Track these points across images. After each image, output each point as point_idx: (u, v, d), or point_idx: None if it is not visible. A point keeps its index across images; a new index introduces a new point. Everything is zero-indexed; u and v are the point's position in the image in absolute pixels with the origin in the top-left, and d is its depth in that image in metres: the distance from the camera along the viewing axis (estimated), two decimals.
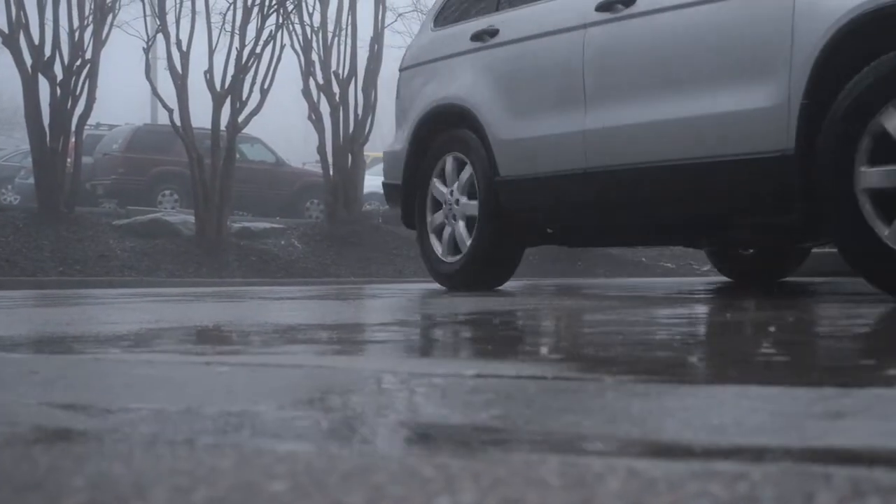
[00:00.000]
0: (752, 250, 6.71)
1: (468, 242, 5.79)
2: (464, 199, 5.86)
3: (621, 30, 4.99)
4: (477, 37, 5.88)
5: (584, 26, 5.15)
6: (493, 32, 5.79)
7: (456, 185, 5.91)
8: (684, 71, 4.68)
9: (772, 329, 3.06)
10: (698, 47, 4.62)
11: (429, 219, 6.12)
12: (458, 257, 5.88)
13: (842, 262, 4.17)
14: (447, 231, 5.98)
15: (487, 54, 5.80)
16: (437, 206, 6.09)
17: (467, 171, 5.84)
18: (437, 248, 6.05)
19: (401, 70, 6.64)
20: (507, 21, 5.75)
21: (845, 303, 4.36)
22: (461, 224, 5.87)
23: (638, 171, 4.88)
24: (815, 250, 6.75)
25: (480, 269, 5.83)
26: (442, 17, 6.43)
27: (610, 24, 5.03)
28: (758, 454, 1.18)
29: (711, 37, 4.57)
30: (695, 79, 4.62)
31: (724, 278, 7.18)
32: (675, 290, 6.18)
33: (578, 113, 5.16)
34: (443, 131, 6.04)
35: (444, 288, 6.02)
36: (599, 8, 5.08)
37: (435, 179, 6.05)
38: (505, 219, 5.68)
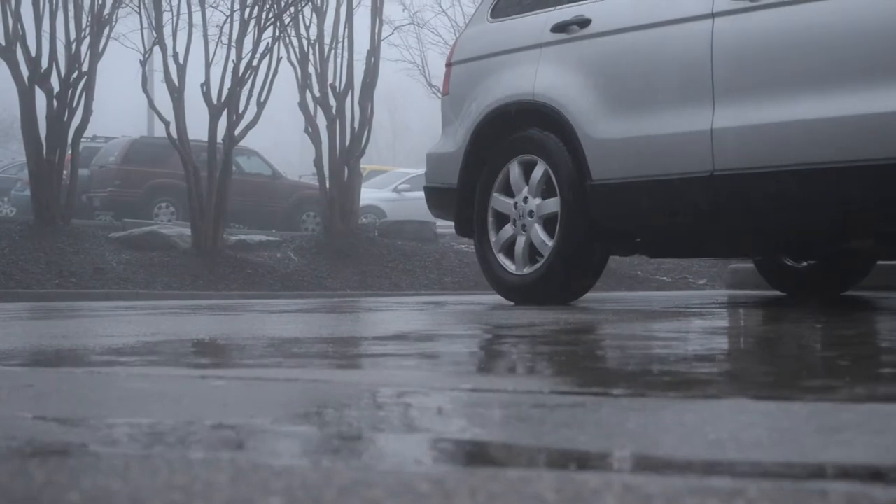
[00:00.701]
0: (807, 263, 6.25)
1: (550, 244, 5.30)
2: (537, 201, 5.40)
3: (765, 19, 4.59)
4: (560, 28, 5.44)
5: (712, 15, 4.75)
6: (583, 23, 5.34)
7: (525, 189, 5.45)
8: (849, 65, 4.32)
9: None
10: (867, 39, 4.28)
11: (493, 238, 5.65)
12: (535, 266, 5.39)
13: None
14: (520, 242, 5.47)
15: (576, 46, 5.38)
16: (500, 221, 5.63)
17: (539, 171, 5.40)
18: (508, 263, 5.54)
19: (450, 65, 6.17)
20: (601, 11, 5.33)
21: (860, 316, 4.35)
22: (537, 227, 5.38)
23: (785, 174, 4.48)
24: (881, 262, 6.27)
25: (563, 277, 5.34)
26: (501, 8, 5.98)
27: (749, 13, 4.63)
28: (755, 470, 1.18)
29: (881, 28, 4.25)
30: (865, 74, 4.28)
31: (766, 292, 6.66)
32: (708, 302, 6.13)
33: (704, 110, 4.75)
34: (510, 131, 5.59)
35: (511, 303, 5.54)
36: None
37: (496, 193, 5.62)
38: (592, 225, 5.22)
